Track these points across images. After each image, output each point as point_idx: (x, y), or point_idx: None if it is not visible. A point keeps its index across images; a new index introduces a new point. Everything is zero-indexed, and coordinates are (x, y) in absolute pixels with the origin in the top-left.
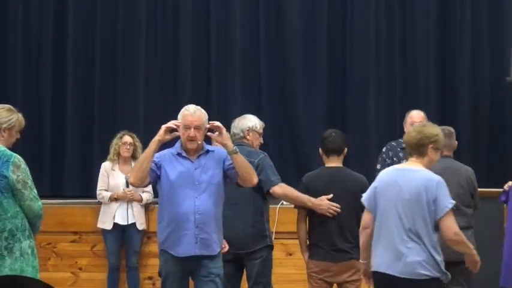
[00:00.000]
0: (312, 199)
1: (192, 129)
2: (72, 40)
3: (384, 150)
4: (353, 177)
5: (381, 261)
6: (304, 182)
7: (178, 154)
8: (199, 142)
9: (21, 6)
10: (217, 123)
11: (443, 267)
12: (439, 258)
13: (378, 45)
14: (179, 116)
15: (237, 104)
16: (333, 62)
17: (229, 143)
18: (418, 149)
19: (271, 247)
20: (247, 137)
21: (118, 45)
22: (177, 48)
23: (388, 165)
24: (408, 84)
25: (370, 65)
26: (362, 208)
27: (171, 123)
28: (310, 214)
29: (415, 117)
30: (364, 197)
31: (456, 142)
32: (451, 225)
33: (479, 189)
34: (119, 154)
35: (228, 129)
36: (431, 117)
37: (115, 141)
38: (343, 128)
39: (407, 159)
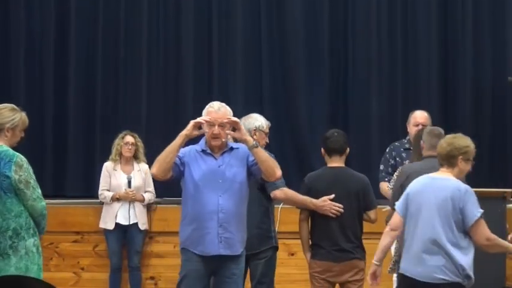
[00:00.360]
0: (314, 200)
1: (216, 127)
2: (74, 40)
3: (387, 150)
4: (355, 177)
5: (406, 265)
6: (306, 182)
7: (203, 151)
8: (223, 139)
9: (23, 6)
10: (234, 118)
11: (469, 272)
12: (465, 263)
13: (380, 45)
14: (203, 113)
15: (238, 104)
16: (334, 62)
17: (249, 138)
18: (448, 159)
19: (276, 248)
20: (254, 136)
21: (120, 45)
22: (179, 49)
23: (392, 165)
24: (410, 83)
25: (372, 65)
26: (364, 208)
27: (200, 119)
28: (312, 214)
29: (419, 117)
30: (398, 202)
31: None
32: (482, 232)
33: (480, 189)
34: (120, 154)
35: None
36: (434, 116)
37: (117, 141)
38: (344, 127)
39: (411, 160)
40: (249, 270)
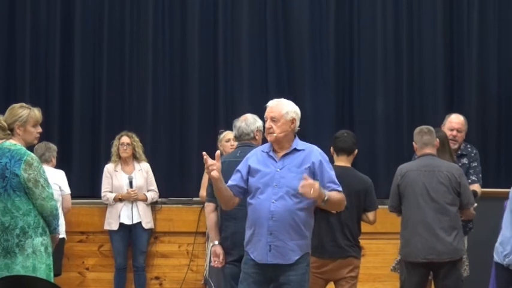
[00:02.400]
0: None
1: (269, 121)
2: (79, 40)
3: None
4: (358, 178)
5: None
6: None
7: (267, 153)
8: (275, 134)
9: (28, 8)
10: (305, 185)
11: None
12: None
13: (385, 46)
14: None
15: (244, 104)
16: (340, 63)
17: (321, 195)
18: None
19: None
20: (256, 137)
21: (125, 44)
22: (184, 48)
23: None
24: (415, 83)
25: (377, 66)
26: (364, 208)
27: (204, 155)
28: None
29: (455, 122)
30: None
31: (437, 140)
32: None
33: (487, 189)
34: (119, 155)
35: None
36: (439, 117)
37: (115, 142)
38: (350, 128)
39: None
40: None
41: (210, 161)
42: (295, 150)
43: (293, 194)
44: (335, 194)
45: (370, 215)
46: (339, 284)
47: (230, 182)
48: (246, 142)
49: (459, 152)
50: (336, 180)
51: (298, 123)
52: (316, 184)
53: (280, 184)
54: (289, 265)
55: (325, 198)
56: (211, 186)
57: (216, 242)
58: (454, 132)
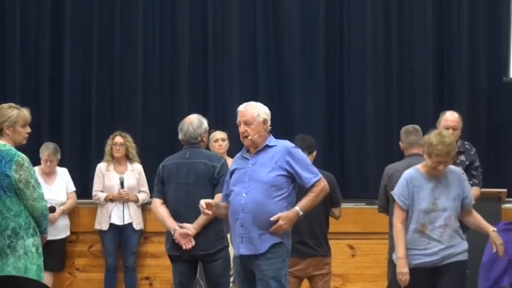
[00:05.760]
0: None
1: (242, 125)
2: (69, 39)
3: None
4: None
5: None
6: None
7: (241, 155)
8: (250, 137)
9: (18, 6)
10: (275, 231)
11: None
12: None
13: (375, 45)
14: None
15: (234, 103)
16: (330, 62)
17: (295, 217)
18: None
19: (227, 247)
20: (204, 139)
21: (115, 43)
22: (174, 47)
23: None
24: (406, 83)
25: (368, 66)
26: (330, 205)
27: (203, 209)
28: None
29: (450, 120)
30: None
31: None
32: None
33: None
34: (112, 155)
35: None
36: (429, 117)
37: (108, 142)
38: (340, 127)
39: None
40: (204, 271)
41: (206, 211)
42: (267, 146)
43: (264, 188)
44: (309, 198)
45: (336, 211)
46: (312, 281)
47: (222, 193)
48: (195, 145)
49: (456, 150)
50: (312, 168)
51: (269, 122)
52: (282, 223)
53: (251, 178)
54: (262, 258)
55: (300, 214)
56: (159, 184)
57: (177, 227)
58: (450, 131)
